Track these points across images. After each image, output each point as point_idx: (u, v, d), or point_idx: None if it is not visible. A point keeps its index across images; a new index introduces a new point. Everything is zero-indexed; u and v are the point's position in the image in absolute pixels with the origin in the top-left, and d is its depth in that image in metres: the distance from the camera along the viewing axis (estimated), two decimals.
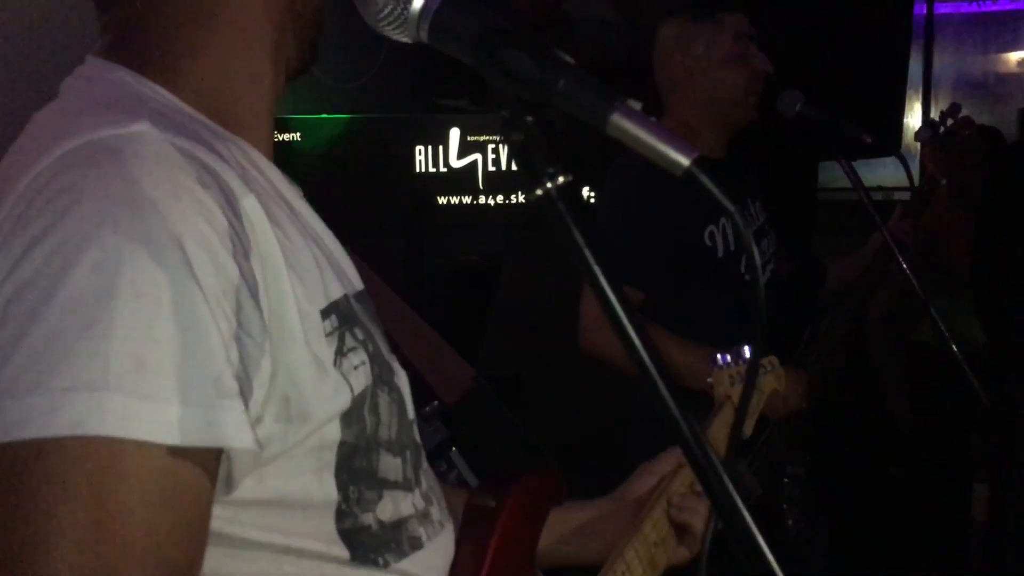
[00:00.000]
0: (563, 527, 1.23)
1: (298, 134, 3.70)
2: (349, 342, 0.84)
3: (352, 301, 0.88)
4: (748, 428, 1.50)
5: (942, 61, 6.14)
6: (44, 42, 2.71)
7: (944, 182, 2.61)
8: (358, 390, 0.83)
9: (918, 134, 2.79)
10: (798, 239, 3.15)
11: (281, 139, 3.70)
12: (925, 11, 5.91)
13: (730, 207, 0.64)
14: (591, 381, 3.62)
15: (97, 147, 0.72)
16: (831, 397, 2.51)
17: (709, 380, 1.48)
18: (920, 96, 5.87)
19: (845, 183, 2.58)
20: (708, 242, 2.30)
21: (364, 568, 0.85)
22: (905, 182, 2.88)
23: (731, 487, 0.73)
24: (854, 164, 2.55)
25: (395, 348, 1.09)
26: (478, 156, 3.73)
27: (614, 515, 1.25)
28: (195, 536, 0.71)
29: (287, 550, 0.80)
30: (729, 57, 2.37)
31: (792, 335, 2.49)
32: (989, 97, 6.18)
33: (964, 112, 2.78)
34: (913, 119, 5.78)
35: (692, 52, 2.38)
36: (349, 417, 0.82)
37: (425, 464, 0.98)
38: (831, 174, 4.30)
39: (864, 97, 3.67)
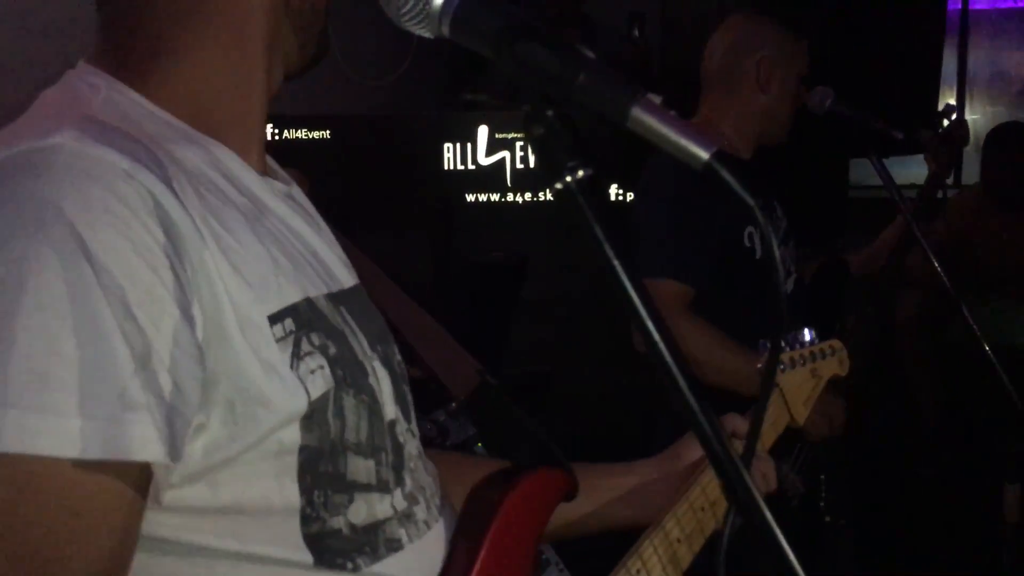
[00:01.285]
0: (611, 493, 1.22)
1: (327, 132, 3.73)
2: (305, 347, 0.82)
3: (320, 302, 0.87)
4: (801, 419, 1.45)
5: (977, 57, 6.05)
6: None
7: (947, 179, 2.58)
8: (316, 394, 0.81)
9: (923, 135, 2.77)
10: (822, 240, 3.13)
11: (311, 136, 3.73)
12: (960, 6, 5.84)
13: (751, 201, 0.64)
14: (620, 377, 3.62)
15: (12, 161, 0.73)
16: (859, 397, 2.49)
17: (759, 366, 1.41)
18: (955, 93, 5.80)
19: (876, 181, 2.55)
20: (748, 243, 2.28)
21: (330, 572, 0.84)
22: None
23: (750, 482, 0.72)
24: (885, 161, 2.53)
25: (404, 345, 1.09)
26: (506, 153, 3.74)
27: (663, 479, 1.23)
28: (113, 546, 0.71)
29: (245, 556, 0.79)
30: (797, 90, 2.33)
31: (824, 331, 2.47)
32: None
33: (999, 108, 2.75)
34: None
35: (775, 65, 2.29)
36: (310, 421, 0.81)
37: (414, 464, 0.96)
38: (862, 171, 4.27)
39: (897, 93, 3.64)
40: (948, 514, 3.60)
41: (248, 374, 0.77)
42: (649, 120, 0.68)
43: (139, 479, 0.72)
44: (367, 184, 3.68)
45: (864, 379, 2.52)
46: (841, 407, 2.32)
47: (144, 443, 0.69)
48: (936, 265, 2.34)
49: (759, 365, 1.42)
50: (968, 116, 5.72)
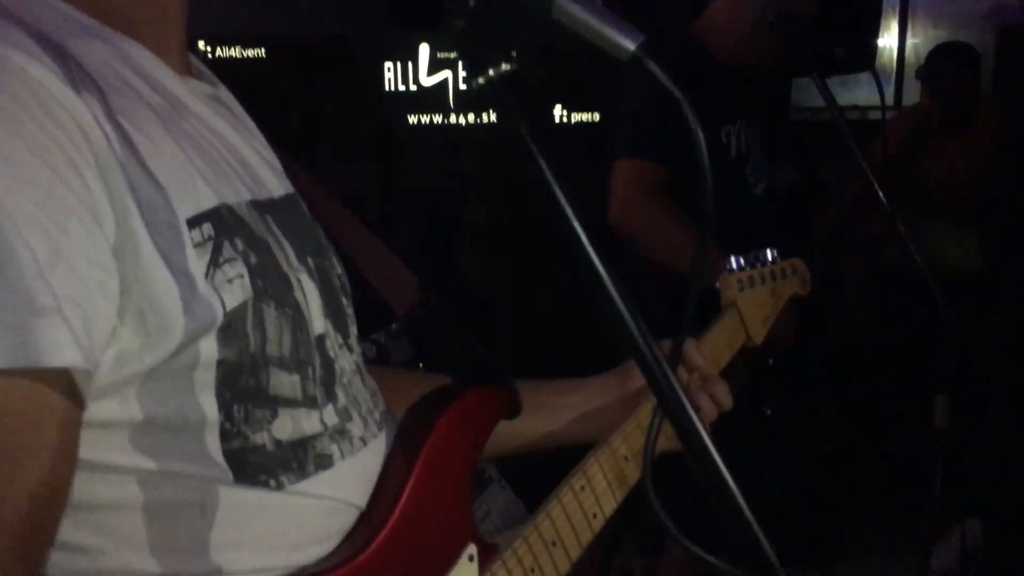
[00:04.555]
0: (562, 411, 1.22)
1: (262, 49, 3.61)
2: (227, 253, 0.79)
3: (243, 209, 0.84)
4: (759, 338, 1.44)
5: None
6: None
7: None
8: (232, 305, 0.78)
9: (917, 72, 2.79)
10: (801, 155, 3.17)
11: (245, 55, 3.61)
12: None
13: (677, 94, 0.63)
14: (563, 304, 3.63)
15: None
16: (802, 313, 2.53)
17: (717, 285, 1.42)
18: (897, 15, 5.80)
19: (819, 102, 2.55)
20: (724, 139, 2.33)
21: (253, 490, 0.81)
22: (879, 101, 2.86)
23: (685, 399, 0.71)
24: (828, 83, 2.52)
25: (346, 261, 1.06)
26: (449, 73, 3.67)
27: (614, 398, 1.23)
28: (50, 464, 0.68)
29: (160, 474, 0.77)
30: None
31: (786, 246, 2.51)
32: (967, 15, 6.12)
33: (941, 31, 2.76)
34: (890, 39, 5.73)
35: None
36: (227, 334, 0.78)
37: (348, 379, 0.93)
38: (805, 94, 4.28)
39: (839, 14, 3.62)
40: (882, 424, 3.72)
41: (159, 281, 0.73)
42: (573, 8, 0.65)
43: (66, 390, 0.69)
44: (304, 106, 3.59)
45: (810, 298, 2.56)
46: (793, 318, 2.36)
47: (57, 348, 0.66)
48: (876, 186, 2.36)
49: (716, 284, 1.42)
50: (910, 40, 5.74)
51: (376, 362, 2.52)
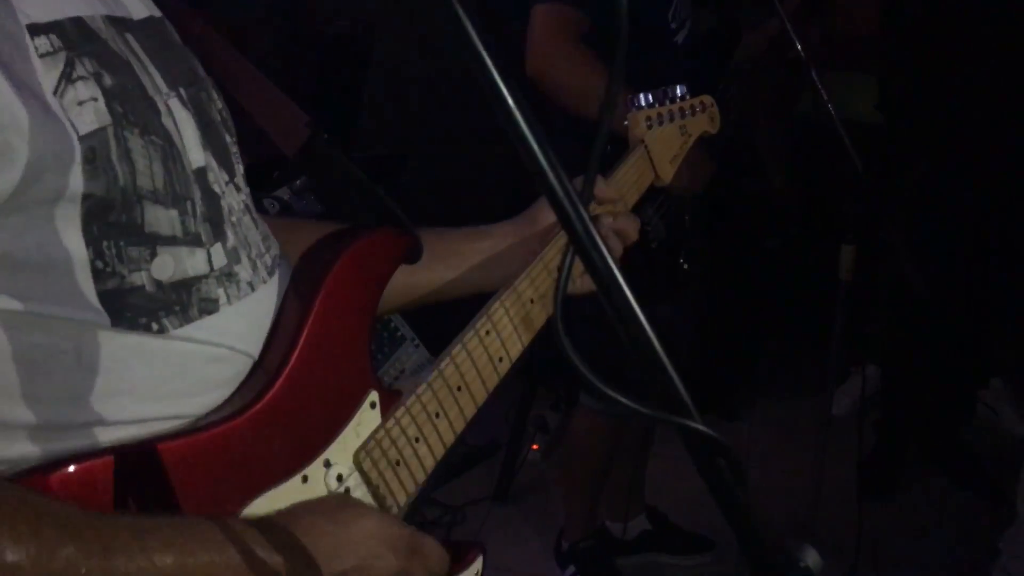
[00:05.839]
0: (470, 257, 1.19)
1: None
2: (79, 70, 0.72)
3: (96, 23, 0.76)
4: (667, 177, 1.39)
5: None
6: None
7: None
8: (85, 130, 0.71)
9: None
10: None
11: None
12: None
13: None
14: (477, 157, 3.55)
15: None
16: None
17: (625, 123, 1.36)
18: None
19: None
20: None
21: (132, 334, 0.76)
22: None
23: (595, 233, 0.67)
24: None
25: (229, 98, 0.98)
26: None
27: (523, 241, 1.20)
28: None
29: (28, 315, 0.72)
30: None
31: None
32: None
33: None
34: None
35: None
36: (92, 166, 0.71)
37: (237, 219, 0.88)
38: None
39: None
40: (790, 274, 3.81)
41: None
42: None
43: None
44: None
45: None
46: (709, 166, 2.35)
47: None
48: (791, 33, 2.32)
49: (624, 123, 1.37)
50: None
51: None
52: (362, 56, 2.91)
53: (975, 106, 2.87)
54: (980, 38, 2.84)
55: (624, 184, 1.30)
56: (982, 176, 2.96)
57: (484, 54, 0.63)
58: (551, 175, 0.65)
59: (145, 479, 0.75)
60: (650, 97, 1.39)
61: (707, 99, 1.50)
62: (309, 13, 3.33)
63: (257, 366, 0.87)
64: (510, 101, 0.65)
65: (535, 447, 3.46)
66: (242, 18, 3.17)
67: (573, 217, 0.66)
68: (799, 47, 2.32)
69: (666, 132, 1.40)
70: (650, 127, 1.37)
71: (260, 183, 2.36)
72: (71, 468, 0.72)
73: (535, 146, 0.66)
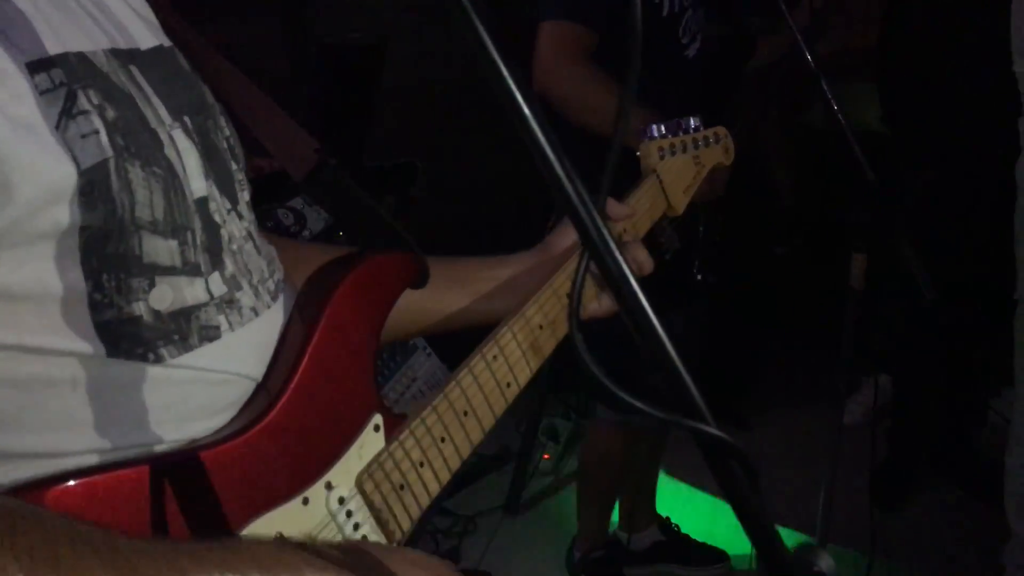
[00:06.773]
0: (486, 284, 1.19)
1: None
2: (82, 103, 0.72)
3: (99, 58, 0.77)
4: (680, 207, 1.40)
5: None
6: None
7: None
8: (87, 163, 0.71)
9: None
10: (730, 9, 3.11)
11: None
12: None
13: None
14: (489, 166, 3.57)
15: None
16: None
17: (637, 153, 1.38)
18: None
19: None
20: None
21: (129, 363, 0.76)
22: None
23: (612, 242, 0.68)
24: None
25: (238, 124, 0.99)
26: None
27: (537, 269, 1.19)
28: None
29: (23, 349, 0.71)
30: None
31: (714, 108, 2.48)
32: None
33: None
34: None
35: None
36: (90, 198, 0.72)
37: (238, 246, 0.88)
38: None
39: None
40: (801, 283, 3.81)
41: None
42: None
43: None
44: None
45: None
46: (726, 171, 2.36)
47: None
48: (802, 44, 2.33)
49: (637, 153, 1.38)
50: None
51: (291, 230, 2.45)
52: (375, 67, 2.93)
53: (977, 113, 2.87)
54: (980, 45, 2.85)
55: (636, 210, 1.31)
56: (989, 183, 2.96)
57: (500, 62, 0.64)
58: (566, 183, 0.67)
59: (143, 498, 0.74)
60: (663, 128, 1.40)
61: (721, 130, 1.51)
62: (323, 27, 3.36)
63: (260, 388, 0.88)
64: (526, 109, 0.66)
65: (546, 456, 3.47)
66: (255, 33, 3.21)
67: (587, 222, 0.67)
68: (809, 57, 2.34)
69: (679, 162, 1.41)
70: (663, 157, 1.38)
71: (275, 193, 2.38)
72: (71, 483, 0.71)
73: (550, 154, 0.67)
